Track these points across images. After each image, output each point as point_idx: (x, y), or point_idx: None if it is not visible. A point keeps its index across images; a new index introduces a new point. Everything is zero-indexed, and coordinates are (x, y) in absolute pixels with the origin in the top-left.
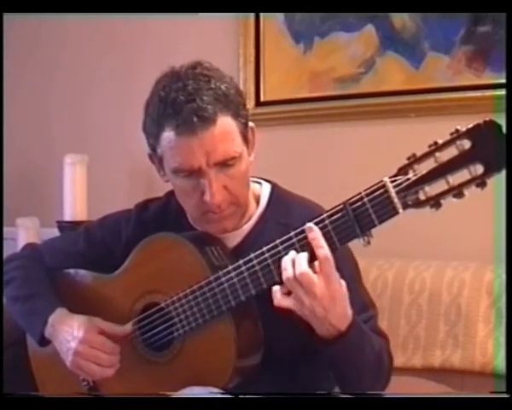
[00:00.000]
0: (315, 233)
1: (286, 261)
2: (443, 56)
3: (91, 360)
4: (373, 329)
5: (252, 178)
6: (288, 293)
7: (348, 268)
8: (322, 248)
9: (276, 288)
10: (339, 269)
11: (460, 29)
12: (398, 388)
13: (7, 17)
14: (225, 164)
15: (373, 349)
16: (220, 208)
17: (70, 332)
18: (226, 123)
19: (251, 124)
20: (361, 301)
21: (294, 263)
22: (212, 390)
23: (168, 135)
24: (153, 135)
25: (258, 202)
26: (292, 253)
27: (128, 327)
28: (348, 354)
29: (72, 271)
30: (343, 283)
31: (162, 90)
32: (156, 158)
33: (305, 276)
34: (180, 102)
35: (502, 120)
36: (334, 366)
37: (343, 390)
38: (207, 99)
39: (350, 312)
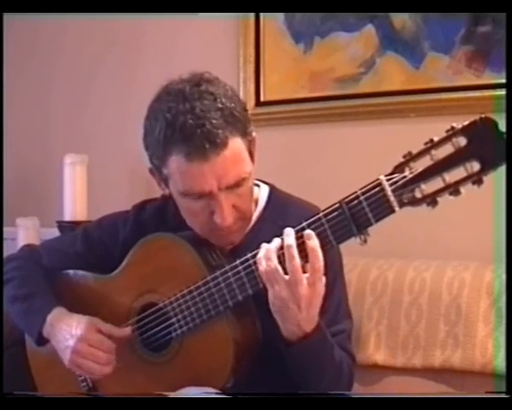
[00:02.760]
0: (314, 243)
1: (270, 251)
2: (443, 56)
3: (89, 359)
4: (341, 345)
5: None
6: None
7: (332, 272)
8: (319, 260)
9: (261, 255)
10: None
11: (460, 29)
12: (398, 388)
13: (6, 17)
14: (236, 185)
15: (333, 360)
16: (229, 228)
17: (68, 331)
18: (236, 145)
19: (253, 134)
20: (334, 311)
21: (286, 254)
22: (210, 391)
23: (177, 159)
24: (158, 156)
25: (256, 203)
26: (277, 241)
27: (127, 330)
28: (308, 357)
29: (70, 271)
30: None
31: (168, 113)
32: (160, 175)
33: (296, 273)
34: (190, 126)
35: (502, 120)
36: (291, 368)
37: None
38: (217, 122)
39: (317, 318)
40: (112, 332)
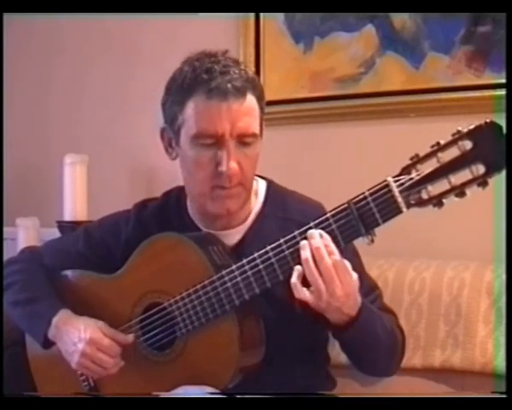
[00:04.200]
0: (326, 240)
1: (307, 255)
2: (443, 56)
3: (97, 362)
4: (381, 307)
5: None
6: (305, 284)
7: (351, 255)
8: (334, 254)
9: (294, 280)
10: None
11: (460, 29)
12: (398, 388)
13: (6, 17)
14: (244, 141)
15: (385, 328)
16: (230, 183)
17: (76, 334)
18: (252, 102)
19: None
20: (367, 284)
21: (315, 256)
22: (210, 390)
23: (197, 99)
24: (177, 101)
25: (256, 195)
26: (305, 243)
27: (130, 337)
28: (362, 336)
29: (72, 271)
30: (354, 275)
31: (196, 61)
32: (172, 130)
33: (329, 271)
34: (214, 70)
35: (502, 120)
36: (350, 351)
37: (363, 372)
38: (239, 74)
39: (359, 298)
40: (115, 337)
